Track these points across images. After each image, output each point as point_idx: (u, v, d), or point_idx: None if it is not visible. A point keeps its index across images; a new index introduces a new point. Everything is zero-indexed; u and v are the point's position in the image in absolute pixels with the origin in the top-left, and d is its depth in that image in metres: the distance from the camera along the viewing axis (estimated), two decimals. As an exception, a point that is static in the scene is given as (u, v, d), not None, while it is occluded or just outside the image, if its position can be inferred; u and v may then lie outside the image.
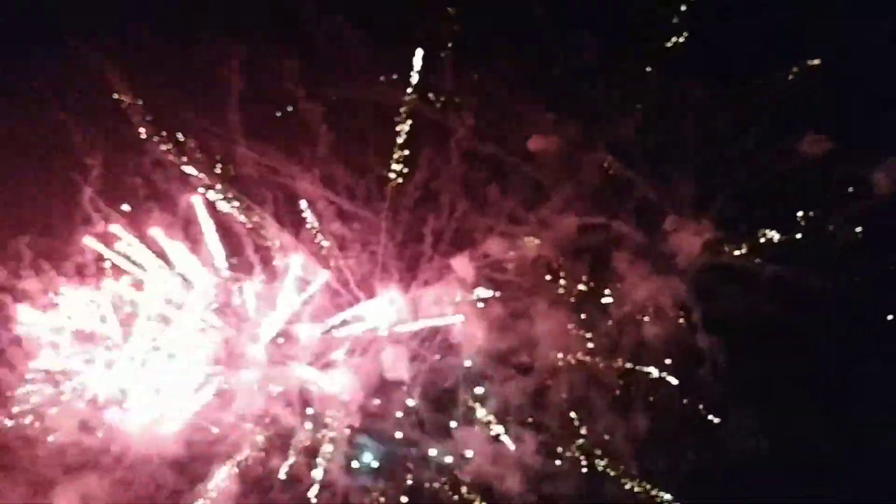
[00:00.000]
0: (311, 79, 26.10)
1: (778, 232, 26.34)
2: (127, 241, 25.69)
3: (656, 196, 27.11)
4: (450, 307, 26.74)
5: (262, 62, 25.75)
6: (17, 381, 25.14)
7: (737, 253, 26.46)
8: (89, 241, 25.59)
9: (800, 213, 26.37)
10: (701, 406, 26.17)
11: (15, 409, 25.07)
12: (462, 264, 27.04)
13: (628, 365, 26.63)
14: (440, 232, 27.11)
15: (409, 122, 26.83)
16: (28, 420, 25.14)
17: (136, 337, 25.78)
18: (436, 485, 26.24)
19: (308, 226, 26.96)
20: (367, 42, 26.31)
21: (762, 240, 26.64)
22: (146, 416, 25.34)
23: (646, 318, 26.55)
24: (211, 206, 26.55)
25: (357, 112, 26.62)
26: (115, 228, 25.73)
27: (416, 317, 26.59)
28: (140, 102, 25.84)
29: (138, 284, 25.75)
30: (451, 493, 26.25)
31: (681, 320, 26.45)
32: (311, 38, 25.99)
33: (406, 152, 26.81)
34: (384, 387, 26.58)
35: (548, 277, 27.45)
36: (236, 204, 26.52)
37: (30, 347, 25.12)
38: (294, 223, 27.04)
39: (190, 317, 26.07)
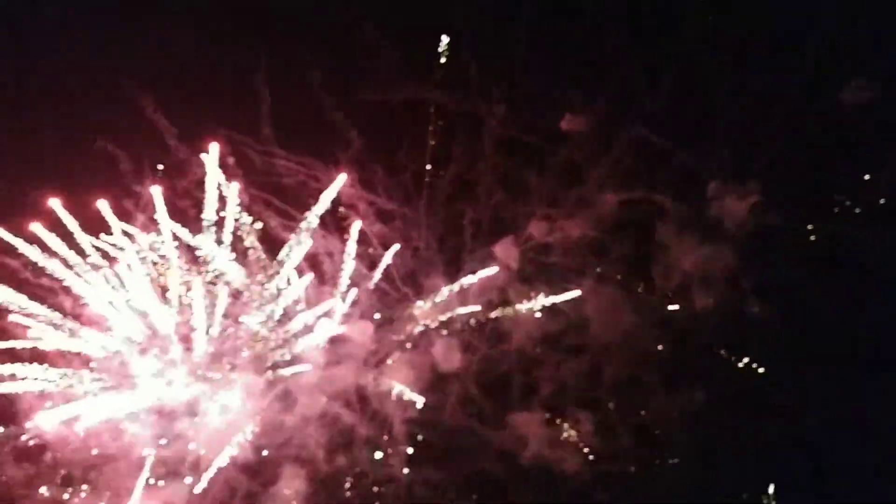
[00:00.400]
0: (338, 85, 26.55)
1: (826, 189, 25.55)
2: (177, 261, 26.82)
3: (696, 164, 26.60)
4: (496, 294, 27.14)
5: (288, 73, 26.29)
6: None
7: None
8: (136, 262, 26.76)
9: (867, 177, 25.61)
10: (757, 376, 25.74)
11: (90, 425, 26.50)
12: (505, 250, 27.22)
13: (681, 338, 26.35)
14: (480, 221, 27.37)
15: (439, 116, 27.12)
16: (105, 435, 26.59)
17: (197, 350, 26.95)
18: (496, 471, 26.59)
19: (351, 228, 27.47)
20: (389, 42, 26.58)
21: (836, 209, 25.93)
22: (215, 425, 26.56)
23: (695, 290, 26.15)
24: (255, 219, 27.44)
25: (387, 112, 26.97)
26: (168, 249, 26.85)
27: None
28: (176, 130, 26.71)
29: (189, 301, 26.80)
30: (511, 477, 26.57)
31: (732, 289, 25.97)
32: (333, 45, 26.40)
33: (439, 147, 27.13)
34: (439, 379, 27.02)
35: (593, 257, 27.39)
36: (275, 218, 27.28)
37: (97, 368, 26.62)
38: (338, 226, 27.65)
39: (245, 327, 27.06)
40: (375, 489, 26.77)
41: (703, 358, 26.14)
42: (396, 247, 27.17)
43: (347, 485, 26.86)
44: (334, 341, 27.19)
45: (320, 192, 27.30)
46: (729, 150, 26.23)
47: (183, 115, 26.69)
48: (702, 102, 25.87)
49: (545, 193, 27.29)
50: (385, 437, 26.83)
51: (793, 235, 25.92)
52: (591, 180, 27.10)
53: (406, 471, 26.62)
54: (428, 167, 27.16)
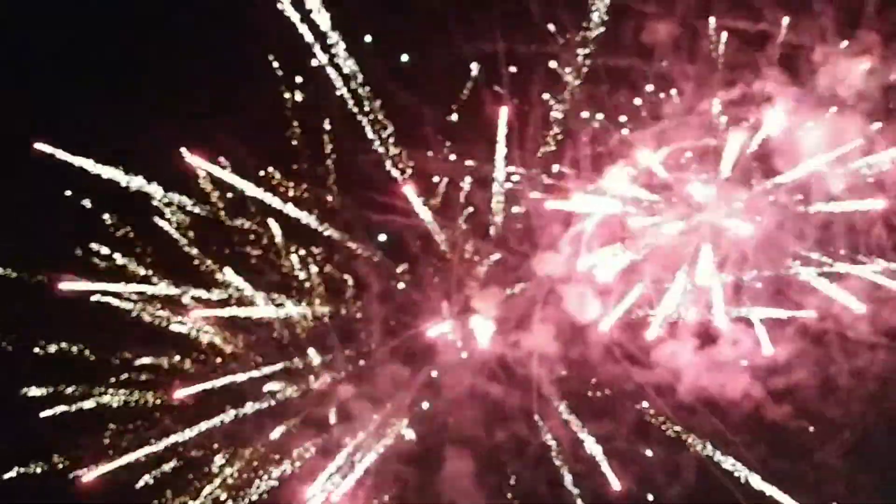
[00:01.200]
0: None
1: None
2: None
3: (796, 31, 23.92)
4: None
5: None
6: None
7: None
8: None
9: None
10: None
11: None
12: (616, 180, 25.62)
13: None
14: (581, 159, 25.96)
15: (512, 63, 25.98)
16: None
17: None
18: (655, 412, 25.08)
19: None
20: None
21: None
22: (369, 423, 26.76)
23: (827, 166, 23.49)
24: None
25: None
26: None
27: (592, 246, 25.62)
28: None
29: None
30: (679, 409, 24.95)
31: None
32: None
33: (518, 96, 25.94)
34: (578, 330, 25.83)
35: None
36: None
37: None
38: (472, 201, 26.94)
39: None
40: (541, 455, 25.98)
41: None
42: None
43: (509, 457, 26.29)
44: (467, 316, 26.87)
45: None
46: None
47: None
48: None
49: (644, 112, 25.63)
50: (537, 401, 26.04)
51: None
52: (687, 86, 25.20)
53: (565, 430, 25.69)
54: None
